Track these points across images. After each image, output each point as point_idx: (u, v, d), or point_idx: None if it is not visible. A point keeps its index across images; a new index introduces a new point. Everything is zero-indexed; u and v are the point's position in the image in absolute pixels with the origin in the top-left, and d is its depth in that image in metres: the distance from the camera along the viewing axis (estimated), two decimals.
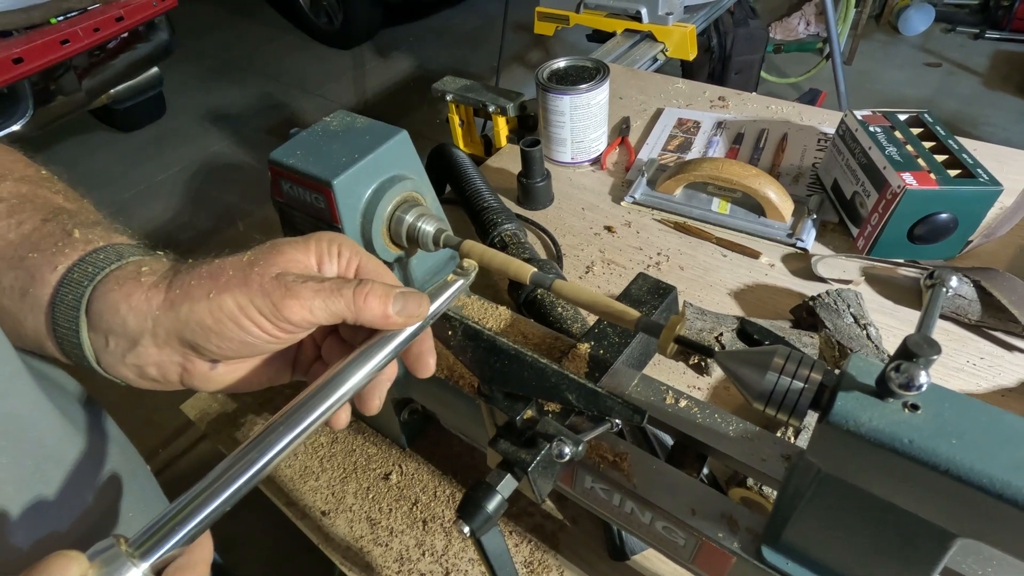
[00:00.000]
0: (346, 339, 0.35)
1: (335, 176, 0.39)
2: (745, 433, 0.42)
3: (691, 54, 1.41)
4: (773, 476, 0.40)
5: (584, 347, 0.44)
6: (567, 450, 0.34)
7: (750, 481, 0.50)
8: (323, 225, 0.42)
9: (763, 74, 2.53)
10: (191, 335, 0.30)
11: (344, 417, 0.32)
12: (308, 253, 0.32)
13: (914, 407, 0.26)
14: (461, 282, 0.36)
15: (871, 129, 0.75)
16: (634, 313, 0.34)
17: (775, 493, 0.48)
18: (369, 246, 0.42)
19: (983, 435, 0.24)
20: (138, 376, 0.32)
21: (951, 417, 0.25)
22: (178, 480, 1.56)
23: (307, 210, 0.42)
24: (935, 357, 0.23)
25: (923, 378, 0.23)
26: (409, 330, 0.32)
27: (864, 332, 0.61)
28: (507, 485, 0.36)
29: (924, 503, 0.26)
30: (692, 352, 0.34)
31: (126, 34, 2.38)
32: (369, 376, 0.31)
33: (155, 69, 2.78)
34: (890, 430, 0.25)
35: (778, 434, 0.52)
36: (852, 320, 0.62)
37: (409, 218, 0.42)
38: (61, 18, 2.07)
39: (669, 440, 0.49)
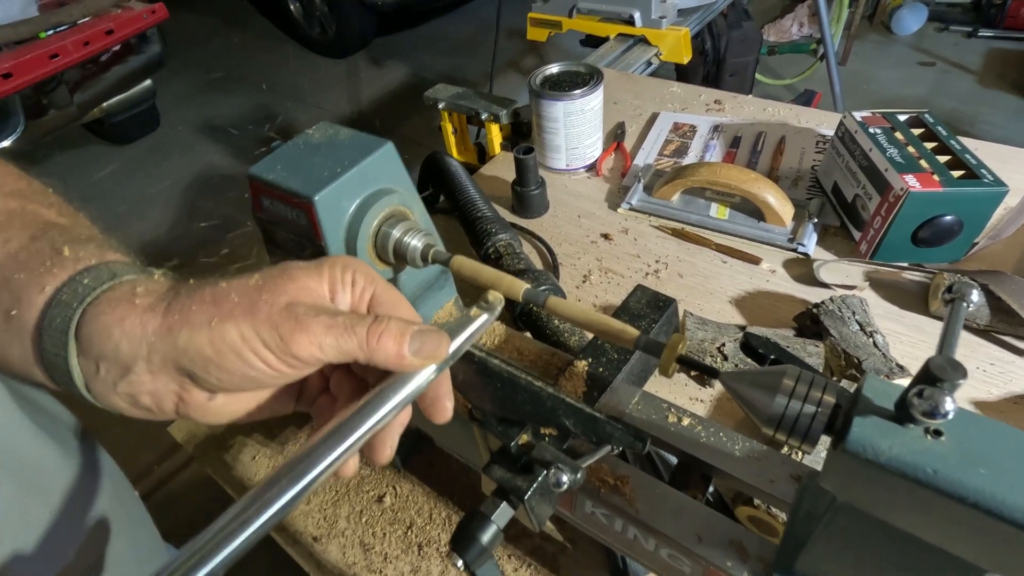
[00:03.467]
0: (357, 373, 0.33)
1: (316, 192, 0.37)
2: (751, 452, 0.40)
3: (685, 57, 1.40)
4: (783, 498, 0.38)
5: (582, 364, 0.42)
6: (565, 478, 0.32)
7: (757, 500, 0.48)
8: (305, 243, 0.40)
9: (758, 76, 2.52)
10: (189, 364, 0.28)
11: (353, 465, 0.30)
12: (321, 280, 0.30)
13: (937, 433, 0.24)
14: (485, 317, 0.33)
15: (871, 130, 0.73)
16: (632, 331, 0.32)
17: (784, 514, 0.46)
18: None
19: (1014, 463, 0.22)
20: (131, 405, 0.29)
21: (978, 444, 0.23)
22: (172, 502, 1.53)
23: (289, 227, 0.40)
24: (961, 381, 0.22)
25: (949, 405, 0.22)
26: (427, 372, 0.30)
27: (871, 340, 0.59)
28: (503, 514, 0.34)
29: (951, 537, 0.24)
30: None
31: (117, 47, 2.37)
32: (381, 423, 0.28)
33: (148, 82, 2.77)
34: (912, 459, 0.23)
35: (784, 450, 0.50)
36: (858, 327, 0.60)
37: (396, 233, 0.40)
38: (50, 32, 2.05)
39: (672, 459, 0.47)
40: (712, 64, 2.21)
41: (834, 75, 2.34)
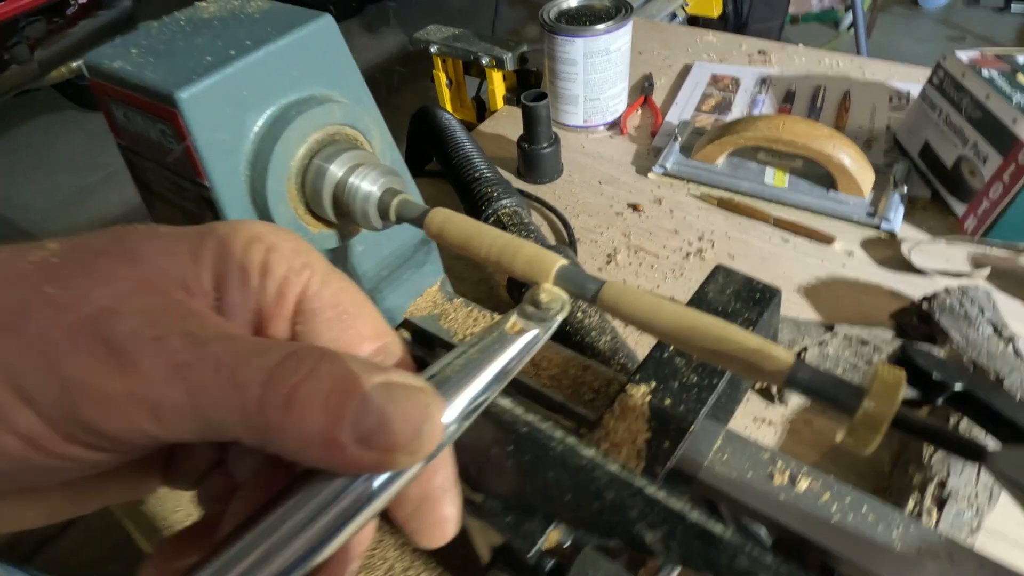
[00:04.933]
0: None
1: (183, 86, 0.21)
2: (923, 543, 0.25)
3: (716, 9, 1.22)
4: None
5: (641, 392, 0.26)
6: None
7: None
8: (184, 183, 0.24)
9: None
10: None
11: None
12: (194, 262, 0.16)
13: None
14: (533, 335, 0.17)
15: (985, 73, 0.57)
16: (783, 356, 0.16)
17: None
18: (267, 220, 0.24)
19: None
20: None
21: None
22: (73, 556, 1.25)
23: (158, 156, 0.24)
24: None
25: None
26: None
27: (1009, 347, 0.44)
28: None
29: None
30: (918, 438, 0.16)
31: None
32: (314, 557, 0.14)
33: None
34: None
35: (938, 525, 0.34)
36: (991, 330, 0.44)
37: (337, 170, 0.24)
38: None
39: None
40: (733, 28, 2.03)
41: (863, 46, 2.17)
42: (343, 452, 0.13)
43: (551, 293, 0.19)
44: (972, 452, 0.14)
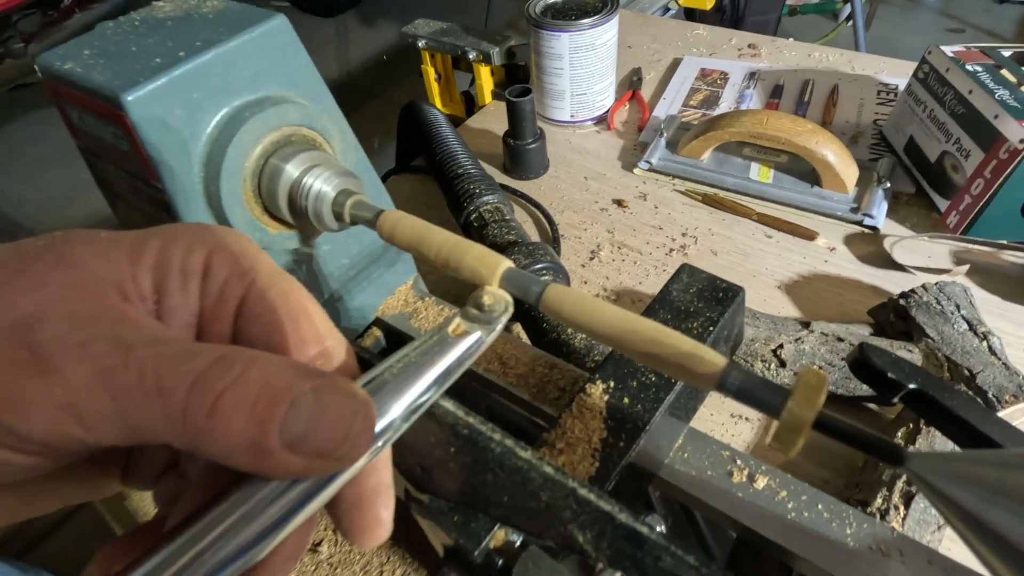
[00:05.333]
0: None
1: (130, 88, 0.21)
2: (876, 541, 0.25)
3: (708, 1, 1.21)
4: None
5: (598, 391, 0.26)
6: None
7: None
8: (139, 184, 0.24)
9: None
10: None
11: None
12: (133, 263, 0.16)
13: None
14: (475, 338, 0.17)
15: (969, 68, 0.56)
16: (715, 359, 0.16)
17: None
18: (223, 222, 0.24)
19: None
20: None
21: None
22: (64, 553, 1.21)
23: (113, 157, 0.24)
24: None
25: None
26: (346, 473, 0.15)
27: (984, 343, 0.44)
28: None
29: None
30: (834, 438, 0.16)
31: None
32: (247, 558, 0.14)
33: None
34: None
35: (901, 524, 0.34)
36: (966, 326, 0.44)
37: (293, 170, 0.24)
38: None
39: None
40: (729, 21, 2.01)
41: (861, 38, 2.16)
42: (271, 458, 0.14)
43: (494, 295, 0.19)
44: (891, 456, 0.14)
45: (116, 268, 0.16)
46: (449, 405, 0.19)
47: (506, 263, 0.20)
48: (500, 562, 0.20)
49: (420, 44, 0.88)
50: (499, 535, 0.20)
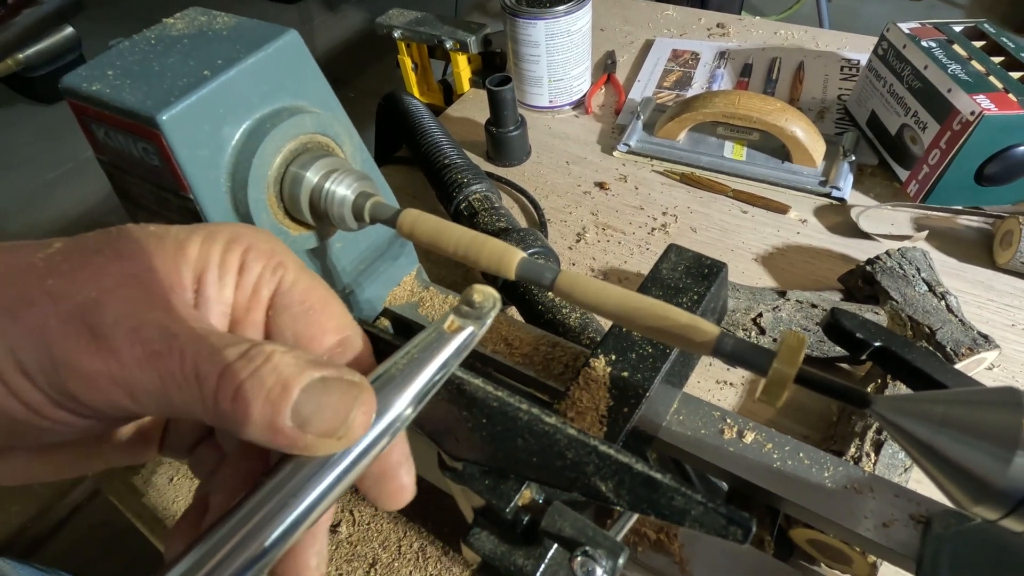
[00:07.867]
0: None
1: (164, 108, 0.22)
2: (850, 481, 0.28)
3: None
4: (901, 551, 0.26)
5: (601, 364, 0.29)
6: (600, 571, 0.19)
7: None
8: (168, 196, 0.25)
9: (743, 14, 2.35)
10: None
11: None
12: (180, 261, 0.18)
13: None
14: (468, 333, 0.20)
15: (924, 44, 0.60)
16: (709, 329, 0.19)
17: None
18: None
19: None
20: None
21: None
22: (70, 552, 1.01)
23: (140, 171, 0.26)
24: None
25: None
26: (363, 443, 0.17)
27: (943, 302, 0.48)
28: None
29: None
30: (814, 391, 0.19)
31: None
32: (291, 534, 0.16)
33: (70, 29, 2.45)
34: None
35: (872, 468, 0.38)
36: (926, 288, 0.48)
37: (312, 176, 0.26)
38: None
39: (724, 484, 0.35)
40: (697, 0, 2.04)
41: (824, 10, 2.20)
42: (283, 435, 0.16)
43: (483, 293, 0.21)
44: (858, 400, 0.17)
45: (164, 261, 0.18)
46: (479, 382, 0.21)
47: (521, 255, 0.22)
48: (527, 519, 0.23)
49: (396, 34, 0.88)
50: (525, 494, 0.23)
